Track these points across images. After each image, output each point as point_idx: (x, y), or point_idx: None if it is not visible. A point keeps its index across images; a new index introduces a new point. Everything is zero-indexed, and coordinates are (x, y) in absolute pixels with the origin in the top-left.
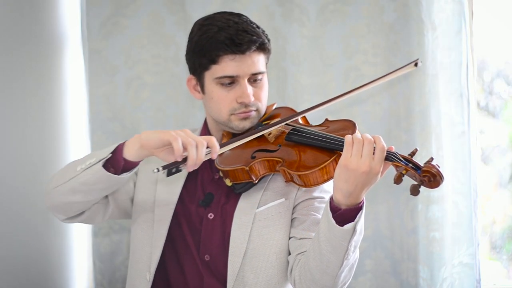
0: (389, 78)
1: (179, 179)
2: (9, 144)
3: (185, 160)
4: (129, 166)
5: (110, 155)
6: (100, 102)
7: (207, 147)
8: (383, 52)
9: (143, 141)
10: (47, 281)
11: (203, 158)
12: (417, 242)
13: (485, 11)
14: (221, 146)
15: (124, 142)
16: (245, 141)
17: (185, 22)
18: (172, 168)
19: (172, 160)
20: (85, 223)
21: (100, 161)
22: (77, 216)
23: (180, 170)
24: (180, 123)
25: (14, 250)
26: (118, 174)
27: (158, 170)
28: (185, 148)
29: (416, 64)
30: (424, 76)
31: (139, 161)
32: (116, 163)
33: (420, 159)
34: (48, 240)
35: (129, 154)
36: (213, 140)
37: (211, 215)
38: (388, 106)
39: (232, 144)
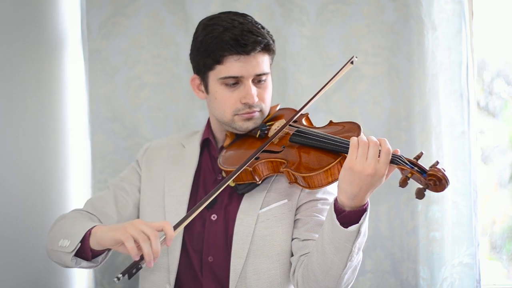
0: (333, 82)
1: (186, 187)
2: (9, 144)
3: (143, 257)
4: (97, 253)
5: (80, 244)
6: (100, 102)
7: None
8: (383, 52)
9: (98, 239)
10: (47, 280)
11: (160, 249)
12: (417, 242)
13: (485, 11)
14: (176, 226)
15: (91, 230)
16: (248, 163)
17: (185, 22)
18: (132, 270)
19: (127, 252)
20: None
21: (70, 252)
22: (75, 267)
23: (140, 268)
24: (180, 123)
25: (14, 250)
26: (90, 260)
27: (119, 279)
28: (138, 246)
29: (352, 62)
30: (424, 76)
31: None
32: (86, 251)
33: (420, 160)
34: None
35: (93, 245)
36: (167, 227)
37: (214, 217)
38: (388, 106)
39: (189, 218)
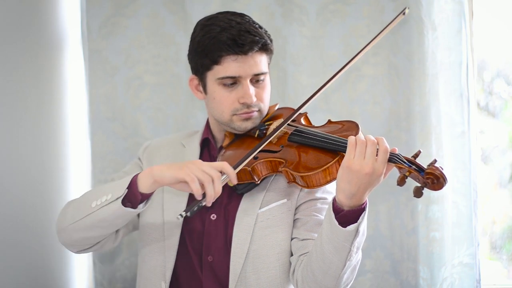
0: (383, 35)
1: None
2: (9, 144)
3: (204, 195)
4: (144, 197)
5: (127, 191)
6: (100, 102)
7: (222, 174)
8: (383, 52)
9: (156, 177)
10: (47, 281)
11: (221, 189)
12: (417, 242)
13: (485, 11)
14: (235, 167)
15: (137, 175)
16: (257, 151)
17: (185, 22)
18: (194, 208)
19: (187, 190)
20: (96, 251)
21: (117, 198)
22: (90, 248)
23: (201, 206)
24: (180, 123)
25: (14, 250)
26: (135, 208)
27: (182, 216)
28: (202, 186)
29: (404, 13)
30: (424, 76)
31: (154, 191)
32: (133, 198)
33: (420, 159)
34: (48, 240)
35: (144, 188)
36: (227, 167)
37: (213, 216)
38: (388, 106)
39: (245, 161)
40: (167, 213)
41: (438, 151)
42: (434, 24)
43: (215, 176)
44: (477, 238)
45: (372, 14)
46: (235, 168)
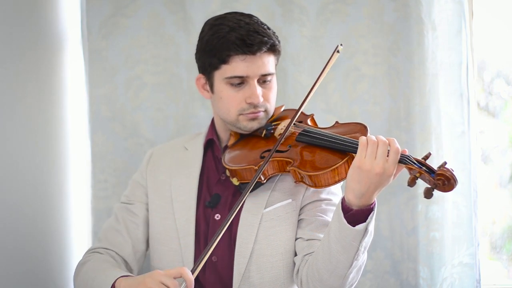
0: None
1: (192, 191)
2: (9, 144)
3: None
4: None
5: None
6: (100, 102)
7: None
8: (383, 52)
9: None
10: (47, 281)
11: None
12: (417, 242)
13: (485, 11)
14: (194, 268)
15: (114, 284)
16: (268, 160)
17: (185, 22)
18: None
19: None
20: None
21: None
22: None
23: None
24: (180, 123)
25: (13, 250)
26: None
27: None
28: None
29: (338, 51)
30: (424, 76)
31: None
32: None
33: (428, 159)
34: (48, 240)
35: None
36: (185, 272)
37: (217, 216)
38: (388, 106)
39: (256, 178)
40: (178, 221)
41: (438, 151)
42: (434, 24)
43: (172, 286)
44: (477, 238)
45: (372, 14)
46: (194, 271)
